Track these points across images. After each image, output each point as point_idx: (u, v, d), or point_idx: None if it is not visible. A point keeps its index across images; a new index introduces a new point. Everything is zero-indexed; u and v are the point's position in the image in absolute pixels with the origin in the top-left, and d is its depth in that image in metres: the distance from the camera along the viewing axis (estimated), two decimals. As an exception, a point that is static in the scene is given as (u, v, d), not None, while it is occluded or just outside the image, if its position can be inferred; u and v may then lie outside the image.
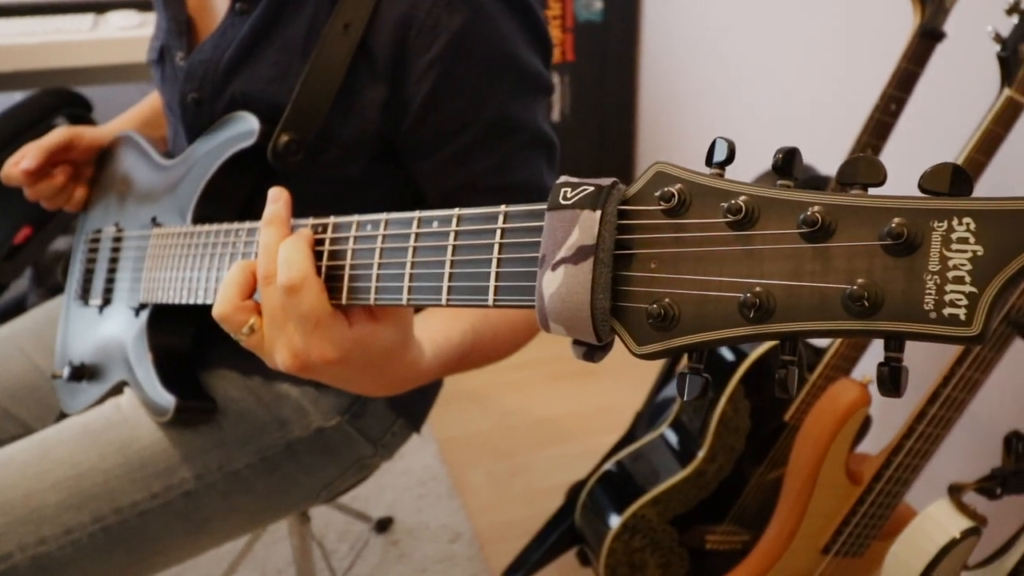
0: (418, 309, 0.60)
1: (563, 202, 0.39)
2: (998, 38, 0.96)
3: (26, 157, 0.93)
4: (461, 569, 1.56)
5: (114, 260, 0.93)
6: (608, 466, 1.33)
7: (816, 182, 1.34)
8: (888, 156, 1.14)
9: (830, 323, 0.32)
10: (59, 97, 1.67)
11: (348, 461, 0.93)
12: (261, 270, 0.53)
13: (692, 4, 2.14)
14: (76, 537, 0.77)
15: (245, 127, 0.76)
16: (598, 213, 0.38)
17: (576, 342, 0.41)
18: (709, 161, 0.37)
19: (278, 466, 0.87)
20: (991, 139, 0.98)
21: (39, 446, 0.82)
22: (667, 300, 0.36)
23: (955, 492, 0.89)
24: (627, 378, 2.03)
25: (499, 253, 0.43)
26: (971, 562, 0.91)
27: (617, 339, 0.40)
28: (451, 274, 0.46)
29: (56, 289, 1.69)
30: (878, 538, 1.11)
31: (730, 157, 0.37)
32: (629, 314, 0.38)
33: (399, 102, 0.73)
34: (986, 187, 1.07)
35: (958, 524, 0.86)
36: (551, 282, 0.39)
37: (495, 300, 0.43)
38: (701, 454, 1.19)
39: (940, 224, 0.30)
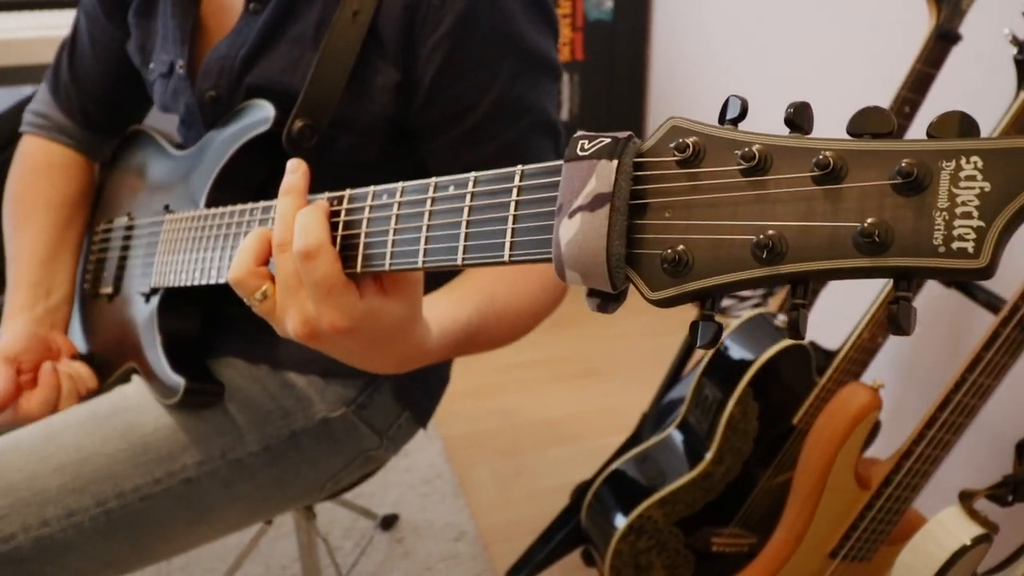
0: (427, 287, 0.60)
1: (580, 153, 0.40)
2: (1015, 40, 0.95)
3: None
4: (465, 568, 1.56)
5: (125, 248, 0.93)
6: (615, 467, 1.32)
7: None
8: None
9: (841, 262, 0.33)
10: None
11: (353, 453, 0.93)
12: (277, 237, 0.54)
13: (702, 3, 2.13)
14: (78, 520, 0.78)
15: (260, 114, 0.77)
16: (615, 162, 0.39)
17: (590, 293, 0.41)
18: (722, 119, 0.38)
19: (282, 455, 0.87)
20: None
21: (44, 431, 0.82)
22: (681, 247, 0.37)
23: (966, 499, 0.88)
24: (633, 379, 2.03)
25: (515, 210, 0.44)
26: (981, 569, 0.90)
27: (632, 290, 0.40)
28: (467, 234, 0.46)
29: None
30: (886, 543, 1.11)
31: (743, 114, 0.37)
32: (643, 261, 0.38)
33: (409, 84, 0.75)
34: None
35: (969, 531, 0.85)
36: (568, 229, 0.39)
37: (511, 255, 0.44)
38: (708, 456, 1.19)
39: (948, 163, 0.31)
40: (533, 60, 0.76)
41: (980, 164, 0.30)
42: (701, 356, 1.28)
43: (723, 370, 1.20)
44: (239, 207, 0.70)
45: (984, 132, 1.05)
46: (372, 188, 0.53)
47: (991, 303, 1.05)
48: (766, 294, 1.52)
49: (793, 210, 0.34)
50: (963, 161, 0.31)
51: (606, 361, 2.17)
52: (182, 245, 0.78)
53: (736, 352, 1.20)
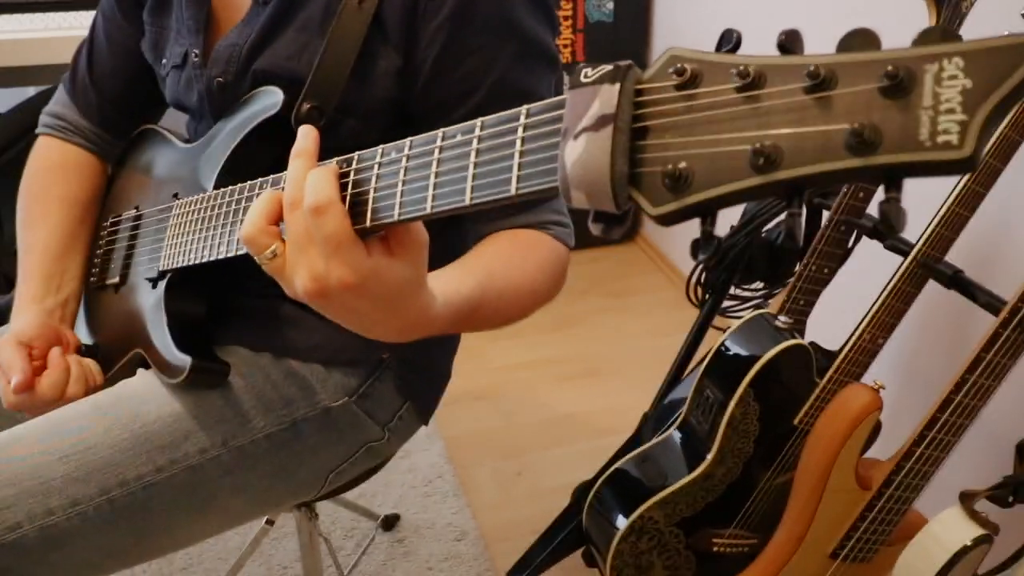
0: (431, 267, 0.61)
1: (584, 80, 0.42)
2: (1015, 43, 0.95)
3: (11, 375, 0.85)
4: (466, 568, 1.56)
5: (133, 238, 0.94)
6: (616, 467, 1.32)
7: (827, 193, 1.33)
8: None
9: (834, 163, 0.34)
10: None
11: (355, 444, 0.94)
12: (288, 197, 0.55)
13: (702, 4, 2.14)
14: (83, 509, 0.79)
15: (270, 99, 0.79)
16: (617, 86, 0.40)
17: (596, 218, 0.43)
18: (718, 50, 0.40)
19: (284, 444, 0.88)
20: (1007, 145, 0.98)
21: (49, 422, 0.84)
22: (682, 164, 0.38)
23: (967, 499, 0.88)
24: (634, 379, 2.03)
25: (521, 146, 0.45)
26: (981, 570, 0.90)
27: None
28: (474, 175, 0.48)
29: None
30: (887, 544, 1.11)
31: (737, 45, 0.40)
32: (645, 180, 0.40)
33: (410, 69, 0.78)
34: (1001, 193, 1.06)
35: (970, 532, 0.85)
36: (573, 151, 0.41)
37: (518, 188, 0.45)
38: (709, 457, 1.19)
39: (932, 65, 0.33)
40: (530, 47, 0.78)
41: (961, 64, 0.32)
42: (702, 357, 1.29)
43: (724, 371, 1.20)
44: (248, 183, 0.70)
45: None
46: (381, 147, 0.54)
47: (991, 304, 1.05)
48: (767, 295, 1.52)
49: (787, 119, 0.36)
50: (945, 62, 0.33)
51: (607, 361, 2.17)
52: (191, 227, 0.80)
53: (737, 353, 1.20)
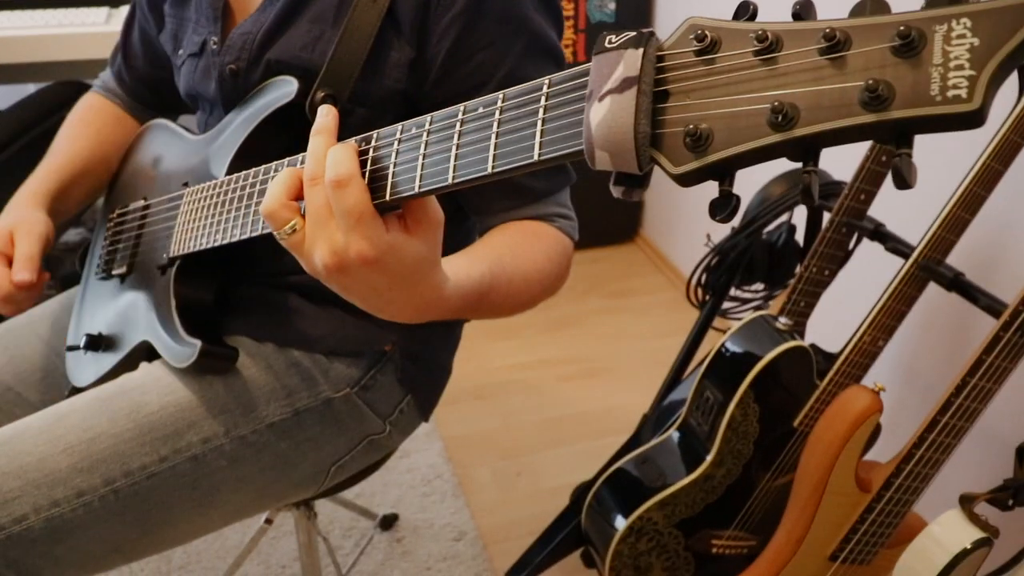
0: (446, 250, 0.62)
1: (608, 46, 0.43)
2: (1018, 46, 0.95)
3: (22, 270, 0.88)
4: (465, 568, 1.56)
5: (141, 227, 0.95)
6: (615, 468, 1.32)
7: (831, 187, 1.33)
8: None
9: (849, 120, 0.36)
10: (72, 89, 1.68)
11: (357, 437, 0.94)
12: (308, 172, 0.55)
13: (703, 5, 2.14)
14: (88, 499, 0.80)
15: (284, 88, 0.81)
16: (640, 50, 0.42)
17: (617, 180, 0.44)
18: (736, 19, 0.41)
19: (285, 435, 0.89)
20: (1009, 148, 0.98)
21: (54, 414, 0.84)
22: (702, 124, 0.40)
23: (967, 502, 0.88)
24: (634, 380, 2.03)
25: (544, 113, 0.46)
26: (981, 573, 0.90)
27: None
28: (497, 143, 0.48)
29: (68, 280, 1.71)
30: (886, 546, 1.11)
31: (753, 15, 0.41)
32: (666, 140, 0.41)
33: (423, 61, 0.80)
34: (1002, 195, 1.06)
35: (970, 535, 0.85)
36: (598, 112, 0.42)
37: (540, 154, 0.46)
38: (709, 458, 1.19)
39: (941, 26, 0.35)
40: (539, 44, 0.80)
41: (969, 24, 0.34)
42: (703, 358, 1.29)
43: (724, 372, 1.20)
44: (262, 167, 0.71)
45: (985, 138, 1.05)
46: (401, 124, 0.55)
47: (992, 307, 1.05)
48: (767, 296, 1.52)
49: (803, 79, 0.37)
50: (954, 23, 0.34)
51: (607, 362, 2.17)
52: (202, 212, 0.80)
53: (737, 354, 1.20)
